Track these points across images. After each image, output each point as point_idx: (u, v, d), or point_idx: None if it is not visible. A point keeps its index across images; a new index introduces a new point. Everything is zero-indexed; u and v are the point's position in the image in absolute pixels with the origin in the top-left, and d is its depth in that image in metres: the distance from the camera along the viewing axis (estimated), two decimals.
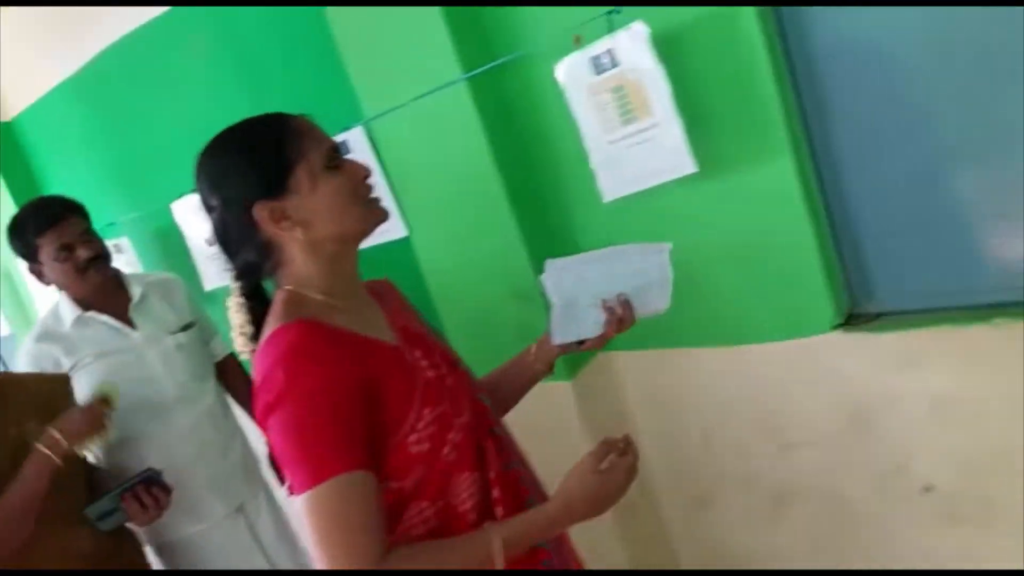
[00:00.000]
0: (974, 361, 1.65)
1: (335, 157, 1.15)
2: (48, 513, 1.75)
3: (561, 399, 2.11)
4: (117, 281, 2.24)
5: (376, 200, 1.19)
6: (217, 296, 2.72)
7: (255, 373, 1.08)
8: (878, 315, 1.81)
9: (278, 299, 1.15)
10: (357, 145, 2.22)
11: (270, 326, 1.11)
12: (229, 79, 2.56)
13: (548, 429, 2.11)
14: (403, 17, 1.95)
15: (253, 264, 1.15)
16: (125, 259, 3.09)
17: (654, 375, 2.12)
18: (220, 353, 2.46)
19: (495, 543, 1.04)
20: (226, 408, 2.42)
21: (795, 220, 1.76)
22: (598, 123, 1.79)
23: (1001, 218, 1.61)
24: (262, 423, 1.05)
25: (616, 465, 1.12)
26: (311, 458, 0.99)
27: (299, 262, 1.14)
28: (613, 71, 1.72)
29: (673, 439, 2.16)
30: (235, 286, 1.18)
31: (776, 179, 1.75)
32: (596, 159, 1.83)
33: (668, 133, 1.71)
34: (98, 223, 2.32)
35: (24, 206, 2.15)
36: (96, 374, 2.07)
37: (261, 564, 2.33)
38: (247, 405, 2.39)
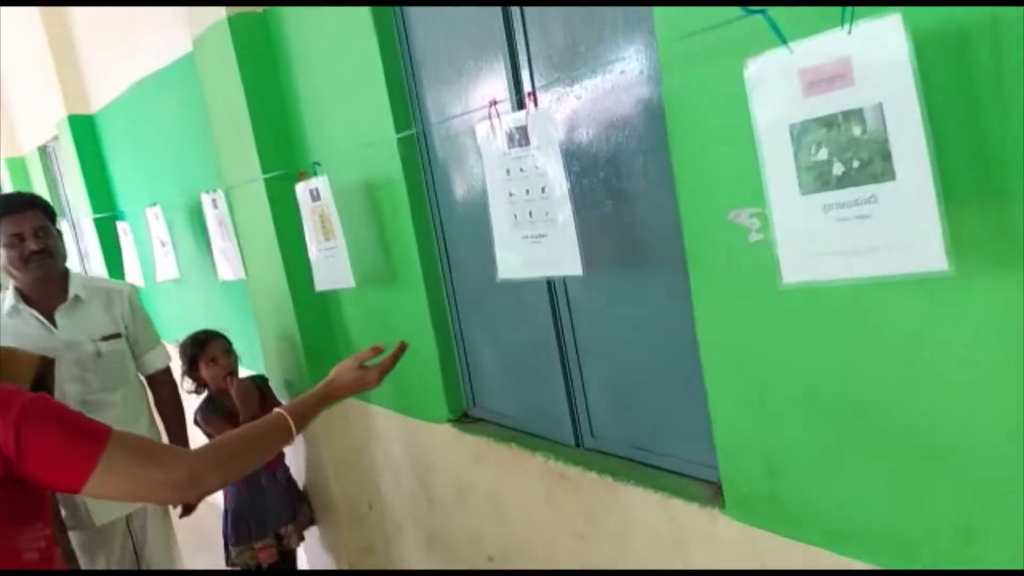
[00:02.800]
0: (509, 471, 2.16)
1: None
2: None
3: None
4: (64, 281, 2.39)
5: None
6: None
7: None
8: (479, 420, 2.34)
9: None
10: (220, 203, 2.99)
11: None
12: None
13: None
14: (238, 123, 2.70)
15: None
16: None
17: (365, 421, 2.77)
18: (152, 367, 2.62)
19: (288, 419, 1.43)
20: (135, 424, 2.49)
21: (426, 335, 2.34)
22: (313, 234, 2.45)
23: (539, 368, 2.09)
24: None
25: (374, 366, 1.62)
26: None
27: None
28: (319, 202, 2.37)
29: (374, 476, 2.81)
30: None
31: (418, 302, 2.33)
32: (312, 259, 2.49)
33: (342, 255, 2.33)
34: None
35: None
36: None
37: None
38: (169, 421, 2.67)
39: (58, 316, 2.32)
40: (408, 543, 2.76)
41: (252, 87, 2.61)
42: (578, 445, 2.01)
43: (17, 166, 6.44)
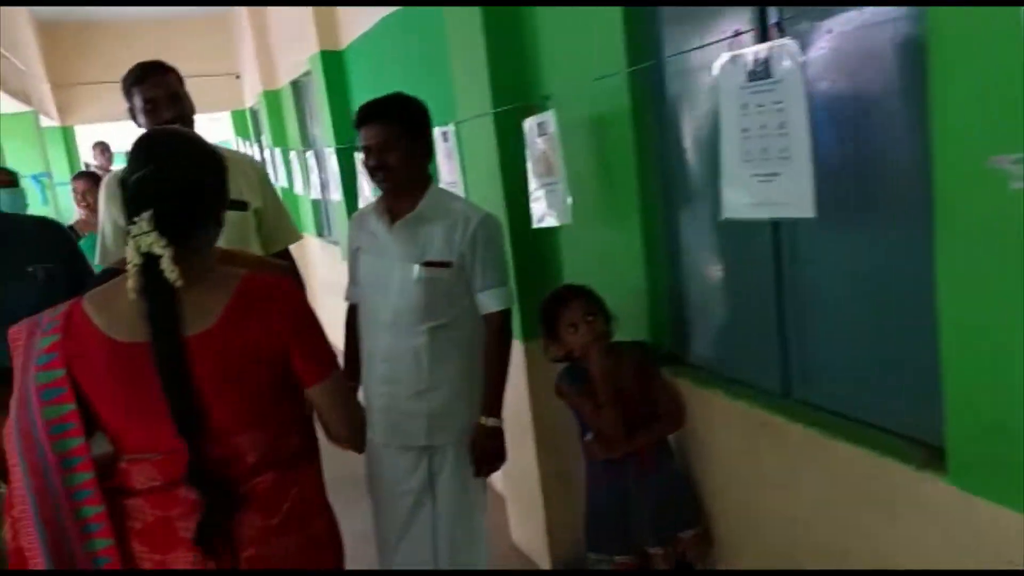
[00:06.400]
0: (714, 417, 2.17)
1: None
2: None
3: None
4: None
5: None
6: None
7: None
8: (688, 364, 2.34)
9: None
10: (450, 136, 3.17)
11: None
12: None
13: None
14: (475, 58, 2.84)
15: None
16: None
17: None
18: (486, 308, 2.30)
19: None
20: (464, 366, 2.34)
21: (638, 274, 2.36)
22: (536, 169, 2.54)
23: (754, 314, 2.06)
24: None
25: None
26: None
27: None
28: (542, 139, 2.45)
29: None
30: None
31: (632, 241, 2.36)
32: (532, 194, 2.58)
33: (561, 190, 2.41)
34: None
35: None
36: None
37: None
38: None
39: (395, 229, 2.23)
40: None
41: (491, 20, 2.72)
42: (786, 395, 1.97)
43: (272, 98, 7.15)
